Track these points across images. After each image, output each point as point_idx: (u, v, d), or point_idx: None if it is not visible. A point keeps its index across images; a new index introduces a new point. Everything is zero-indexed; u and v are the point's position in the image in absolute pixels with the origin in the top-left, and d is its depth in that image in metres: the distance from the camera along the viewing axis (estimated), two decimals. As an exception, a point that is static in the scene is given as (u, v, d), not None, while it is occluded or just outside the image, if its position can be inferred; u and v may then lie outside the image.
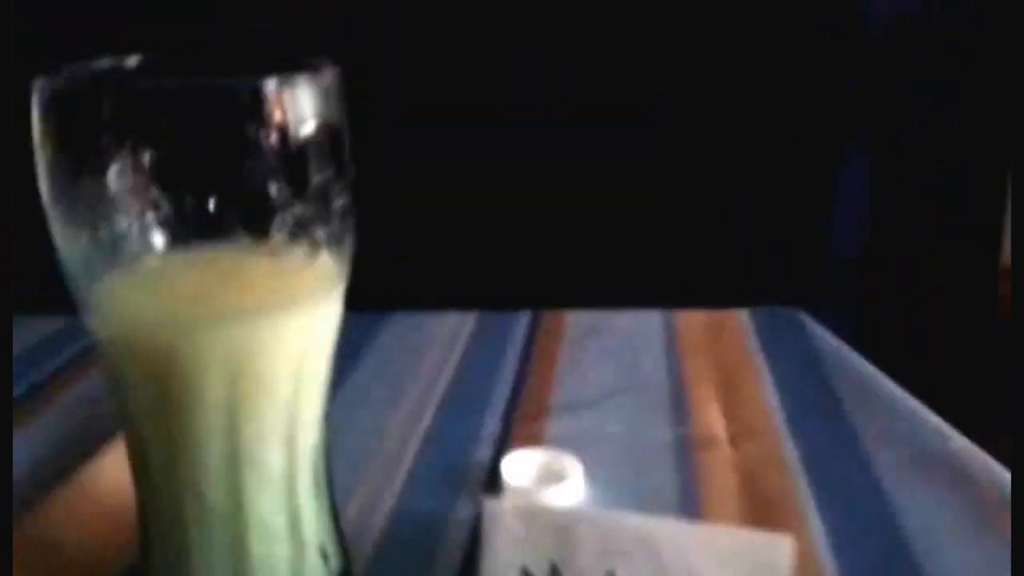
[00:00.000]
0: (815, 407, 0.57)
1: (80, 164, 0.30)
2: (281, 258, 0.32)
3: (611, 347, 0.68)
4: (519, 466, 0.48)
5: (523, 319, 0.72)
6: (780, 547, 0.33)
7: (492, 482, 0.49)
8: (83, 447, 0.51)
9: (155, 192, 0.30)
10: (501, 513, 0.35)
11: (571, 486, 0.46)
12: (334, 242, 0.33)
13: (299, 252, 0.32)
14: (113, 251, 0.32)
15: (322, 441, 0.36)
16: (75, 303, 0.33)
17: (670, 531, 0.34)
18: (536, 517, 0.35)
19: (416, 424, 0.56)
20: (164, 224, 0.31)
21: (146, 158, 0.30)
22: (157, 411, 0.32)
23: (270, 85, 0.30)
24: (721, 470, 0.50)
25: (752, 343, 0.68)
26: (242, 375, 0.32)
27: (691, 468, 0.50)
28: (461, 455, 0.52)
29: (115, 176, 0.30)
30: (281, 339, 0.32)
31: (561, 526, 0.34)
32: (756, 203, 0.93)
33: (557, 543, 0.34)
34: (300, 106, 0.30)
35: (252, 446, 0.33)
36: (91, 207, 0.31)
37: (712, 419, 0.56)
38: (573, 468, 0.47)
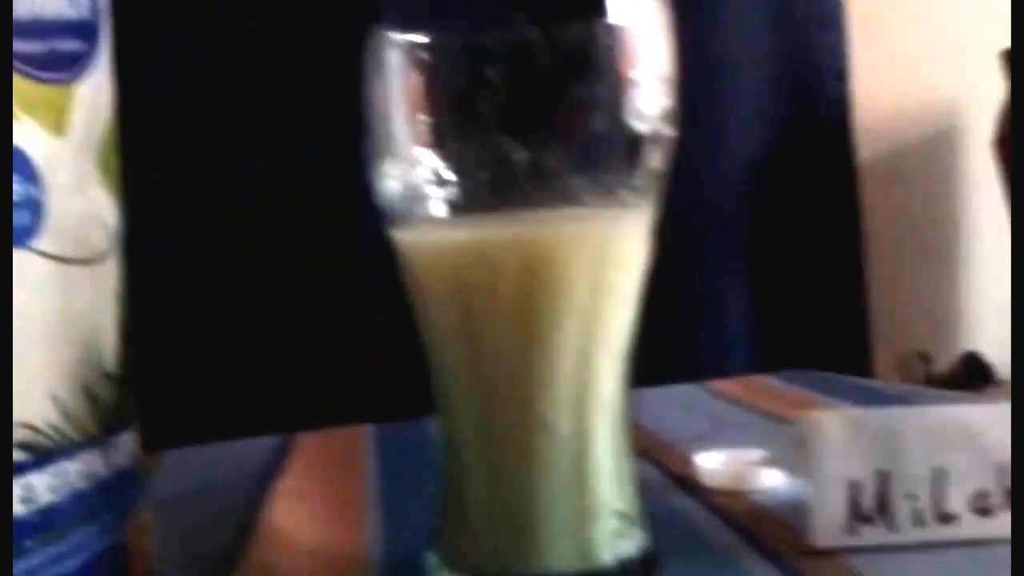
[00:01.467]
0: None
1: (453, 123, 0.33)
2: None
3: (677, 407, 0.69)
4: (712, 465, 0.48)
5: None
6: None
7: (684, 483, 0.49)
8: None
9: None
10: (825, 423, 0.36)
11: (774, 470, 0.47)
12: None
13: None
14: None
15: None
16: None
17: (989, 415, 0.36)
18: (861, 424, 0.36)
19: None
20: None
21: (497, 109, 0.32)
22: (518, 332, 0.33)
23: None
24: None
25: (810, 393, 0.71)
26: (603, 275, 0.33)
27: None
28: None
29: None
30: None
31: (887, 430, 0.36)
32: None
33: (883, 449, 0.35)
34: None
35: (597, 368, 0.34)
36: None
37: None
38: (762, 456, 0.48)
